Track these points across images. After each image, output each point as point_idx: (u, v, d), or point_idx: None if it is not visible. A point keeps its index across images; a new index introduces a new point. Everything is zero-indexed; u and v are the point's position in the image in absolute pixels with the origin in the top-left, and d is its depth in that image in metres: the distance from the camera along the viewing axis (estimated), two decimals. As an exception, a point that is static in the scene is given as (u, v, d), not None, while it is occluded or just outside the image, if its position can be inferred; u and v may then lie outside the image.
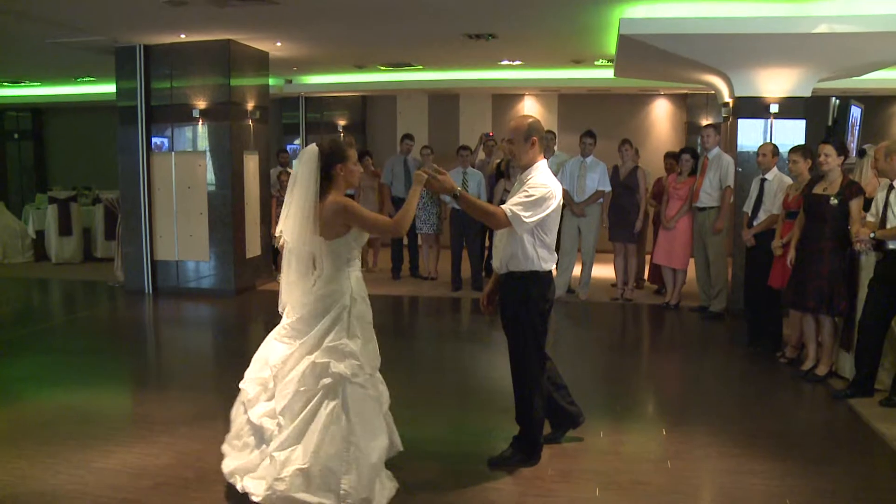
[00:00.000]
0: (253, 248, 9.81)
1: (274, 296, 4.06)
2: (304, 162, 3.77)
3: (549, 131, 9.26)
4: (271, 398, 3.76)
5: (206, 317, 8.70)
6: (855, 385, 5.50)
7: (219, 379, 6.21)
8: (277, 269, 10.05)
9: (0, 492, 3.92)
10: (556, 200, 3.98)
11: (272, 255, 10.25)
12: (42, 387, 5.81)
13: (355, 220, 3.73)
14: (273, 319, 4.04)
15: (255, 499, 3.62)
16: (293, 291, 3.83)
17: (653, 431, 4.90)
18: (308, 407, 3.62)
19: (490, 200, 9.02)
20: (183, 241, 9.51)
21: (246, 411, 3.84)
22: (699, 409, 5.35)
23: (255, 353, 4.00)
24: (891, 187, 5.36)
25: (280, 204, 9.82)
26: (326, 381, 3.63)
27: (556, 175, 4.26)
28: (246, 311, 8.81)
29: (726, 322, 8.05)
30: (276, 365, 3.78)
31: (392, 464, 3.97)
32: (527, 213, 3.91)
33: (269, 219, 10.06)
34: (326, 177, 3.78)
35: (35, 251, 12.43)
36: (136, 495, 3.90)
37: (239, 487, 3.74)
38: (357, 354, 3.70)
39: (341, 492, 3.54)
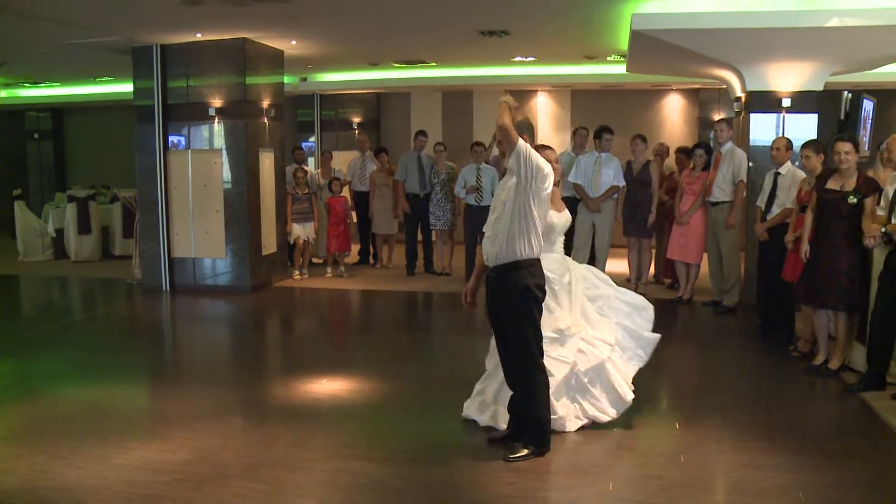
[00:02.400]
0: (269, 244, 9.82)
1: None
2: None
3: (583, 128, 9.21)
4: None
5: (223, 313, 8.70)
6: (867, 379, 5.45)
7: (235, 375, 6.25)
8: (293, 265, 10.20)
9: (21, 486, 3.96)
10: (550, 184, 4.17)
11: (288, 251, 10.25)
12: (62, 383, 5.86)
13: None
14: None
15: None
16: None
17: (666, 425, 4.89)
18: None
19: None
20: (199, 238, 9.54)
21: None
22: (712, 402, 5.32)
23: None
24: (901, 180, 5.31)
25: (296, 201, 10.25)
26: None
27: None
28: (262, 308, 8.80)
29: (739, 316, 8.01)
30: None
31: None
32: (539, 162, 4.08)
33: (284, 216, 10.08)
34: None
35: (55, 249, 12.51)
36: (154, 490, 3.92)
37: None
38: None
39: None
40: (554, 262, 4.68)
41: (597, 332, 4.72)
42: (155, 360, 6.80)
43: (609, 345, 4.73)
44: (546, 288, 4.29)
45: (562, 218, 4.73)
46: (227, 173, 9.40)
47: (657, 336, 4.91)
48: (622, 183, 8.77)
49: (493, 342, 4.59)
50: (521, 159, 4.03)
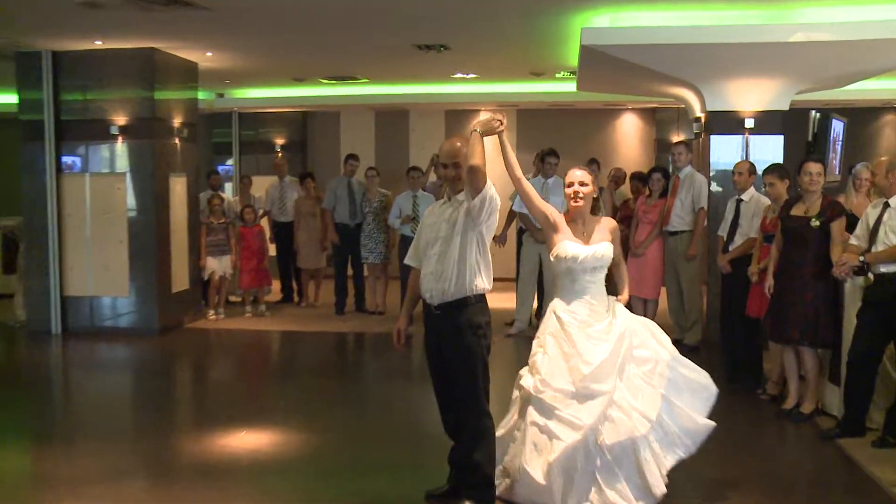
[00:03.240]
0: (180, 280, 9.63)
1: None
2: None
3: (553, 151, 8.97)
4: None
5: (125, 359, 8.48)
6: (845, 424, 5.48)
7: (137, 430, 6.05)
8: (208, 303, 10.01)
9: None
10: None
11: (202, 287, 10.10)
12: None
13: None
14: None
15: None
16: None
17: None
18: None
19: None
20: (98, 274, 9.26)
21: None
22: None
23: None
24: (886, 205, 5.38)
25: (211, 231, 10.02)
26: None
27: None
28: (171, 352, 8.62)
29: (702, 356, 7.92)
30: None
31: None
32: (497, 200, 4.14)
33: (198, 248, 9.91)
34: None
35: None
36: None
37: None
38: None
39: None
40: (583, 307, 4.36)
41: (636, 402, 4.22)
42: (41, 414, 6.53)
43: (649, 421, 4.21)
44: (557, 328, 4.29)
45: (589, 251, 4.40)
46: (131, 200, 9.19)
47: (711, 424, 4.39)
48: None
49: None
50: (486, 201, 4.05)
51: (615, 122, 13.69)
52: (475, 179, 3.99)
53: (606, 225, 4.51)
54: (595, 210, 4.53)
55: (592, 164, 8.98)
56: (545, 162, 8.75)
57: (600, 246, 4.42)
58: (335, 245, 10.38)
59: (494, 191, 4.10)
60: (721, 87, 8.09)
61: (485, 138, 4.01)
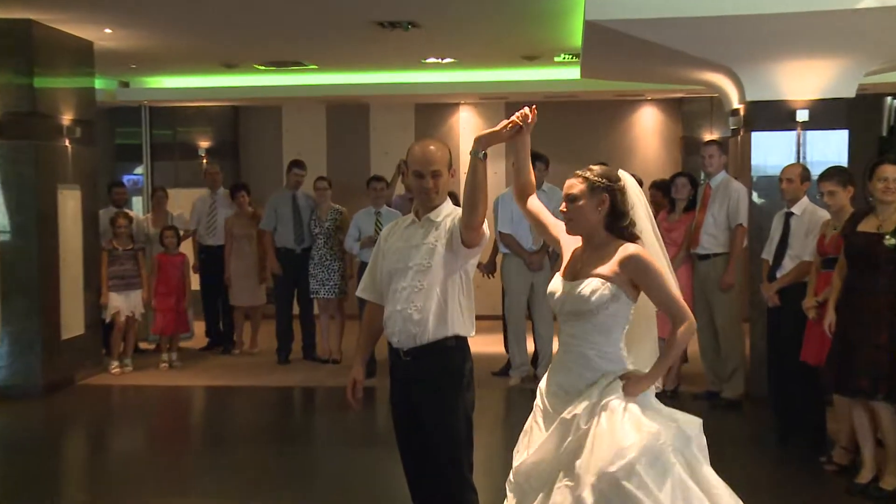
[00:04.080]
0: (72, 324, 9.51)
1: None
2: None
3: (539, 155, 8.77)
4: None
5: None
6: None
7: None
8: (111, 353, 10.05)
9: None
10: None
11: (103, 333, 10.04)
12: None
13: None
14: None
15: None
16: None
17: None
18: None
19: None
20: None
21: None
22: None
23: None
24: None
25: (115, 260, 9.87)
26: None
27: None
28: (59, 417, 8.50)
29: (746, 413, 8.06)
30: None
31: None
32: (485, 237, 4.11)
33: (97, 282, 9.81)
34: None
35: None
36: None
37: None
38: None
39: None
40: (558, 374, 3.93)
41: None
42: None
43: None
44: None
45: (566, 287, 3.94)
46: (3, 220, 9.09)
47: None
48: None
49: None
50: (481, 247, 4.12)
51: (630, 116, 13.74)
52: (474, 236, 3.98)
53: (621, 254, 3.78)
54: (621, 228, 3.87)
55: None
56: (532, 167, 8.65)
57: (587, 282, 3.79)
58: (277, 276, 10.34)
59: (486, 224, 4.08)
60: (765, 71, 8.08)
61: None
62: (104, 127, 12.56)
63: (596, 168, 3.87)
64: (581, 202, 3.83)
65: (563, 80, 11.89)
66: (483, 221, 3.98)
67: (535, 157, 8.69)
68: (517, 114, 3.89)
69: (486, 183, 3.90)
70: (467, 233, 3.99)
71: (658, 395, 8.10)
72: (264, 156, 14.19)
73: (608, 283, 3.74)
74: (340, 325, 10.26)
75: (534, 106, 3.88)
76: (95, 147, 9.99)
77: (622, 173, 3.89)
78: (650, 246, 3.87)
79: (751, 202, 8.24)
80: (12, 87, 8.97)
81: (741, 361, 8.22)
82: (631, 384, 3.72)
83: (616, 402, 3.66)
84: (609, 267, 3.78)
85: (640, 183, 9.83)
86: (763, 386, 7.79)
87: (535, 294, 8.78)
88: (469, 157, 3.88)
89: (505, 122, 3.91)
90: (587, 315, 3.78)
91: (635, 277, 3.76)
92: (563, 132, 12.87)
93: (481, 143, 3.88)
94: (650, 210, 3.99)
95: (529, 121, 3.89)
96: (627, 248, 3.78)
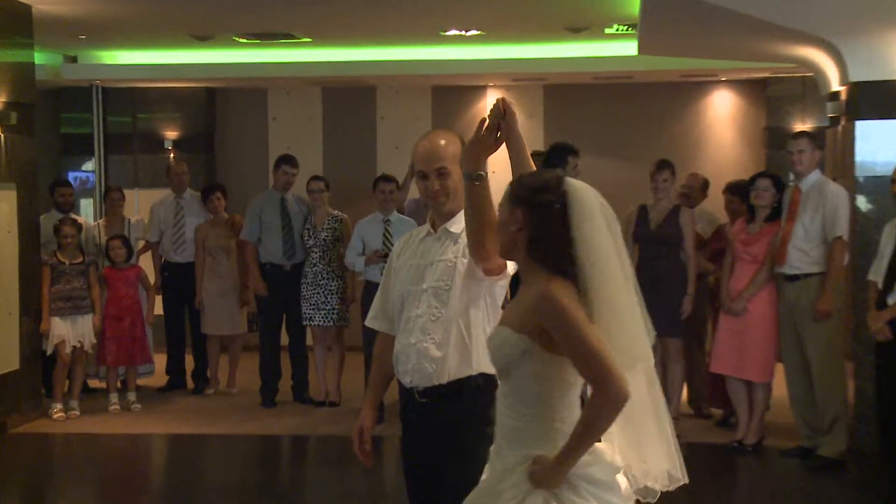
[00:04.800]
0: (4, 358, 9.53)
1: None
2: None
3: (571, 147, 8.80)
4: None
5: None
6: None
7: None
8: (53, 393, 10.04)
9: None
10: None
11: (43, 367, 10.07)
12: None
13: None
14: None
15: None
16: None
17: None
18: None
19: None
20: None
21: None
22: None
23: None
24: None
25: (60, 277, 9.88)
26: None
27: None
28: None
29: (849, 475, 8.03)
30: None
31: None
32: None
33: (36, 305, 9.82)
34: None
35: None
36: None
37: None
38: None
39: None
40: (497, 444, 3.90)
41: None
42: None
43: None
44: None
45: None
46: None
47: None
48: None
49: None
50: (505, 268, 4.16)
51: (699, 102, 13.73)
52: (490, 267, 4.03)
53: (536, 294, 3.54)
54: (547, 256, 3.58)
55: (664, 170, 8.87)
56: (565, 162, 8.59)
57: (497, 331, 3.72)
58: (261, 298, 10.39)
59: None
60: (874, 45, 8.12)
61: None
62: (46, 112, 12.68)
63: (530, 175, 3.74)
64: (502, 217, 3.67)
65: (616, 58, 12.01)
66: (496, 249, 3.86)
67: (565, 151, 8.62)
68: (490, 111, 3.91)
69: (489, 207, 3.89)
70: (480, 263, 4.06)
71: (738, 451, 7.99)
72: (245, 150, 14.28)
73: (518, 335, 3.52)
74: (339, 360, 10.30)
75: (503, 98, 3.88)
76: (34, 137, 10.09)
77: (568, 180, 3.63)
78: (604, 282, 3.51)
79: (853, 209, 8.24)
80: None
81: (842, 410, 8.16)
82: (538, 472, 3.47)
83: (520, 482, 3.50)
84: (524, 312, 3.56)
85: (708, 185, 9.93)
86: (871, 441, 7.86)
87: None
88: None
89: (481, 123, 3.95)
90: (501, 375, 3.64)
91: (548, 326, 3.47)
92: (614, 121, 13.00)
93: (468, 162, 3.91)
94: (618, 225, 3.65)
95: (506, 115, 3.85)
96: (545, 287, 3.49)
